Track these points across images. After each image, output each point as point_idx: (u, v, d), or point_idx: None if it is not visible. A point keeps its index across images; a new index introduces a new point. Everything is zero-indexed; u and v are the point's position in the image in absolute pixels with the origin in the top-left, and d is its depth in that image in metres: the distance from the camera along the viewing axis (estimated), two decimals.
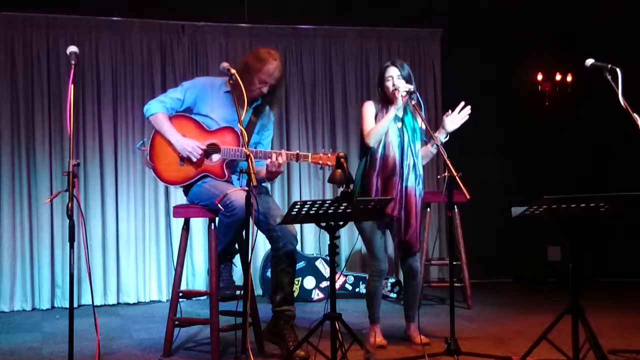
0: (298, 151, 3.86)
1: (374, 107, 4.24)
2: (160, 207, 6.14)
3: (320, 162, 3.81)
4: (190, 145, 3.91)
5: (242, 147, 3.81)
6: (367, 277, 4.50)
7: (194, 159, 3.92)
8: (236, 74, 3.71)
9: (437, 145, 3.94)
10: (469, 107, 4.15)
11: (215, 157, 3.95)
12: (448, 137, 4.20)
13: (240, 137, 3.79)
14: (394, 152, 4.15)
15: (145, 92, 6.07)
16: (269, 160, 3.82)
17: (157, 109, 3.99)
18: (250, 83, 3.89)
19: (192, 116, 4.03)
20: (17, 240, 5.78)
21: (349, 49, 6.67)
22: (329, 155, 3.80)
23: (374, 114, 4.22)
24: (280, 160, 3.80)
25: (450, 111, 4.17)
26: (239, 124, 3.57)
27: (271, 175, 3.93)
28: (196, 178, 3.96)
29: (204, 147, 3.93)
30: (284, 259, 3.93)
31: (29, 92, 5.87)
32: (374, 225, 4.18)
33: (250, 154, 3.47)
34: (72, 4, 5.93)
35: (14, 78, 5.85)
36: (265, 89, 4.00)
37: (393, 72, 4.19)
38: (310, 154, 3.84)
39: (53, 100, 5.91)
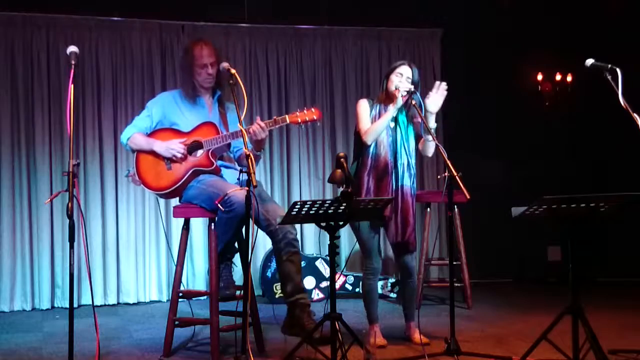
0: (275, 117, 3.90)
1: (368, 105, 4.25)
2: (160, 207, 6.12)
3: (299, 119, 3.81)
4: (172, 143, 3.97)
5: (227, 137, 3.91)
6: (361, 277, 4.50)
7: (179, 155, 3.95)
8: (236, 74, 3.72)
9: (437, 145, 3.93)
10: (444, 83, 4.13)
11: (199, 152, 4.00)
12: (436, 124, 4.19)
13: (216, 125, 3.93)
14: (386, 151, 4.15)
15: (145, 92, 6.07)
16: (251, 129, 3.80)
17: (131, 131, 4.09)
18: (196, 74, 4.00)
19: (167, 126, 4.09)
20: (17, 240, 5.78)
21: (349, 49, 6.67)
22: (305, 111, 3.82)
23: (369, 111, 4.22)
24: (262, 124, 3.80)
25: (429, 93, 4.16)
26: (239, 125, 3.57)
27: (259, 144, 3.91)
28: (187, 176, 3.97)
29: (187, 142, 3.98)
30: (287, 248, 3.93)
31: (29, 92, 5.87)
32: (369, 224, 4.18)
33: (250, 154, 3.46)
34: (72, 4, 5.93)
35: (14, 78, 5.85)
36: (211, 70, 4.04)
37: (405, 71, 4.19)
38: (287, 115, 3.87)
39: (53, 100, 5.91)
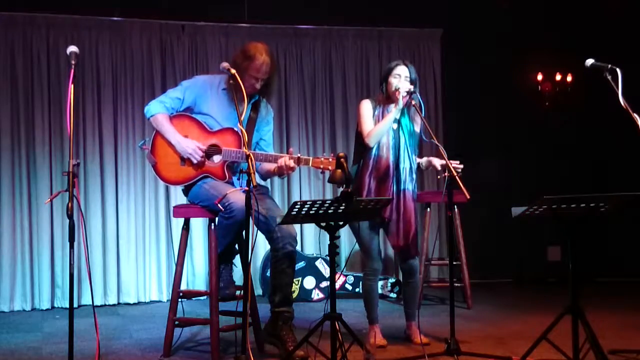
0: (299, 154, 3.84)
1: (371, 106, 4.23)
2: (160, 207, 6.14)
3: (321, 166, 3.79)
4: (191, 147, 3.90)
5: (243, 147, 3.83)
6: (361, 277, 4.51)
7: (195, 161, 3.91)
8: (236, 74, 3.71)
9: (438, 145, 3.93)
10: (462, 166, 4.00)
11: (217, 158, 3.95)
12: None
13: (241, 137, 3.80)
14: (388, 153, 4.15)
15: (145, 92, 6.08)
16: (280, 161, 3.79)
17: (157, 109, 3.98)
18: (242, 80, 3.84)
19: (193, 116, 4.02)
20: (17, 240, 5.78)
21: (349, 49, 6.67)
22: (330, 159, 3.78)
23: (372, 113, 4.21)
24: (291, 164, 3.78)
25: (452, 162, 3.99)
26: (239, 124, 3.56)
27: (282, 175, 3.94)
28: (196, 178, 3.95)
29: (204, 148, 3.92)
30: (284, 260, 3.93)
31: (29, 92, 5.87)
32: (369, 226, 4.18)
33: (251, 155, 3.46)
34: (72, 4, 5.94)
35: (14, 78, 5.85)
36: (258, 85, 3.98)
37: (402, 71, 4.17)
38: (311, 159, 3.80)
39: (53, 100, 5.91)
